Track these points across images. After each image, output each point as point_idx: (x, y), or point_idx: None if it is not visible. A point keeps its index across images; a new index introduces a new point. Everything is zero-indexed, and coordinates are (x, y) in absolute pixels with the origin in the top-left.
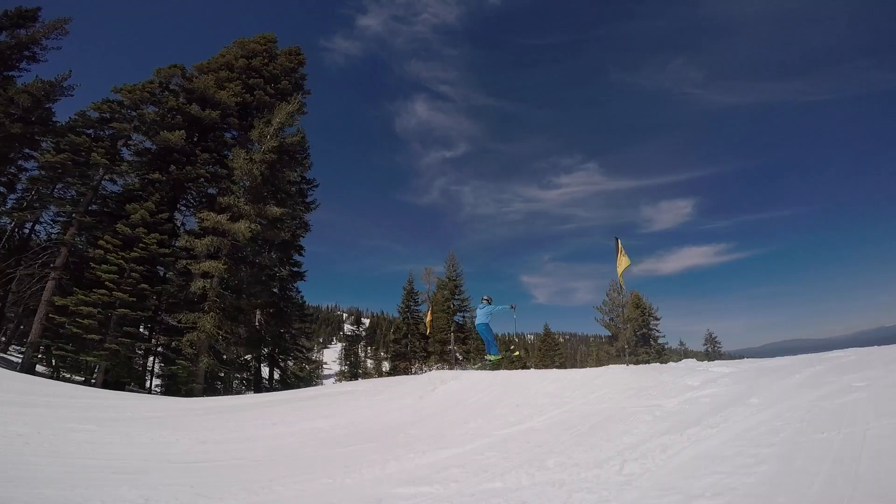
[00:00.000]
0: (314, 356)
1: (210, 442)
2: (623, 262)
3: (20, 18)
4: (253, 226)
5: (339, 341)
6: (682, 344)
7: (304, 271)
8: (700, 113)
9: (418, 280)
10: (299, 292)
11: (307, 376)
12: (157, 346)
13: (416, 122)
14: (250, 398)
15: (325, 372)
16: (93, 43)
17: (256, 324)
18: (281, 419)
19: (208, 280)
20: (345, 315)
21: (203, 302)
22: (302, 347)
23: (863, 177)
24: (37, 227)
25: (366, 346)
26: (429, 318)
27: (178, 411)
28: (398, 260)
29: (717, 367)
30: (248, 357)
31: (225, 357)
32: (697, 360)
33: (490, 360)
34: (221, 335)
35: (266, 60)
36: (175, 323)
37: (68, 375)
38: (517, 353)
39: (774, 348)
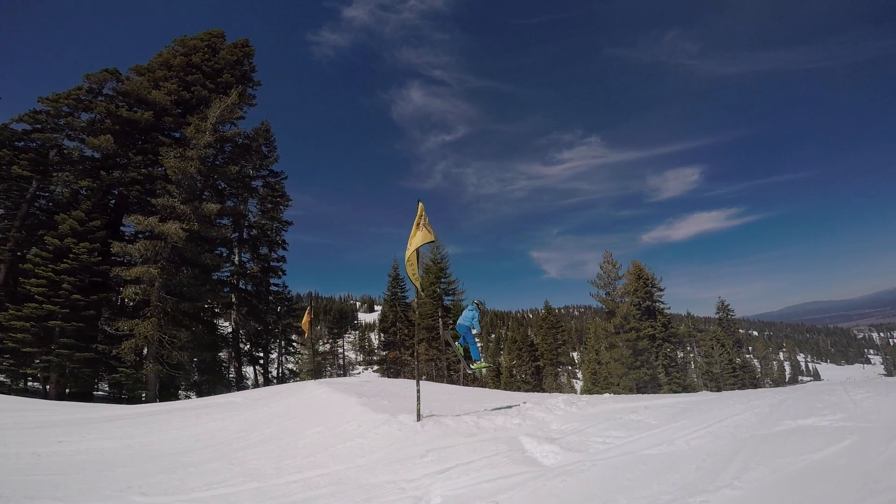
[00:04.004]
0: (326, 347)
1: None
2: (419, 236)
3: None
4: (185, 225)
5: (354, 329)
6: (689, 314)
7: (281, 266)
8: (698, 83)
9: (403, 266)
10: (286, 287)
11: (310, 369)
12: (96, 355)
13: (412, 109)
14: (124, 409)
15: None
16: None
17: (232, 324)
18: (79, 438)
19: (140, 286)
20: (358, 304)
21: (145, 307)
22: (292, 342)
23: (873, 138)
24: None
25: (379, 333)
26: (306, 318)
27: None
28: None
29: (556, 438)
30: (226, 360)
31: (174, 362)
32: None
33: (472, 367)
34: (166, 340)
35: (207, 56)
36: (112, 331)
37: (17, 387)
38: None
39: (794, 311)
